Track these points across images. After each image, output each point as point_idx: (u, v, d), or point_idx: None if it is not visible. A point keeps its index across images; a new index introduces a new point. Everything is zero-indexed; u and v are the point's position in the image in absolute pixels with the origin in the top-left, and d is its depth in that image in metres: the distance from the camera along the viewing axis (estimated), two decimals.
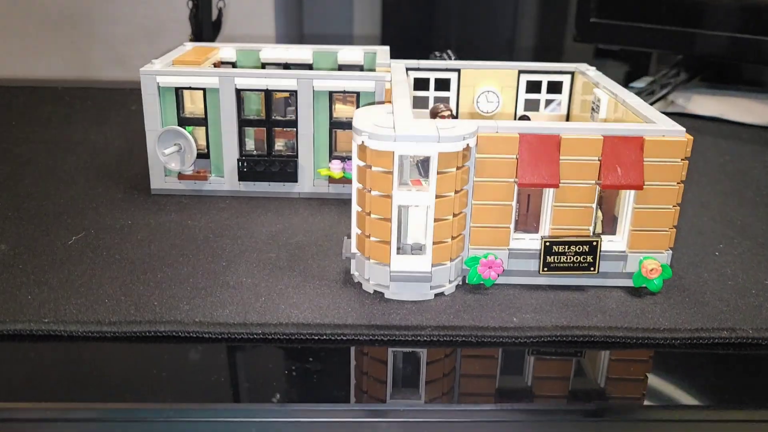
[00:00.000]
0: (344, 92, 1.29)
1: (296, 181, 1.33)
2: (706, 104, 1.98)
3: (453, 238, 0.98)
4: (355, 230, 1.01)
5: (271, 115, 1.31)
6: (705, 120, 1.98)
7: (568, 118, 1.43)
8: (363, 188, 0.97)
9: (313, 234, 1.20)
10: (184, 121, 1.31)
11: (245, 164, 1.32)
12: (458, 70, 1.40)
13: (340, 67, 1.54)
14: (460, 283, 1.03)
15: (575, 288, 1.03)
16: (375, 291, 1.00)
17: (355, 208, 1.00)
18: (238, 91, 1.29)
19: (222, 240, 1.16)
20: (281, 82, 1.28)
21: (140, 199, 1.32)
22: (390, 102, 1.18)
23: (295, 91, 1.28)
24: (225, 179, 1.34)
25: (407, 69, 1.39)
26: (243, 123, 1.32)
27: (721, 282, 1.06)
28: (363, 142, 0.94)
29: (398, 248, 0.99)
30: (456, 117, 1.42)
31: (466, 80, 1.41)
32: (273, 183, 1.33)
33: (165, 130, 1.28)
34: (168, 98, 1.30)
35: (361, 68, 1.54)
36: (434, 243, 0.97)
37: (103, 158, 1.55)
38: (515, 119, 1.43)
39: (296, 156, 1.32)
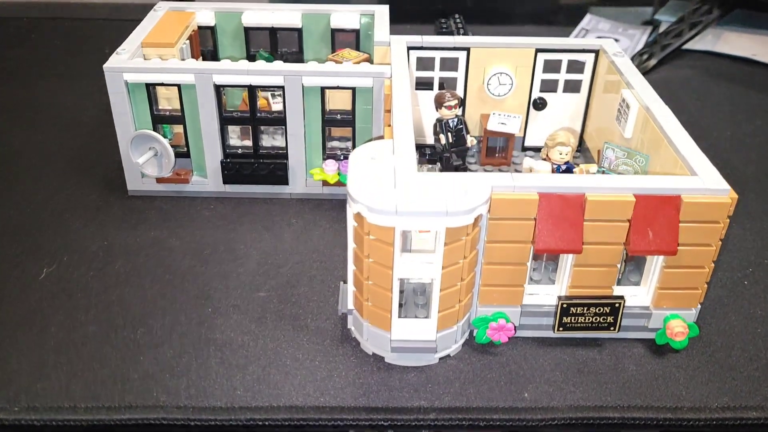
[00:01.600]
0: (338, 88, 1.14)
1: (287, 183, 1.21)
2: (738, 43, 1.80)
3: (460, 302, 0.88)
4: (351, 287, 0.92)
5: (257, 113, 1.16)
6: (734, 61, 1.80)
7: (588, 102, 1.28)
8: (359, 252, 0.86)
9: (307, 256, 1.09)
10: (159, 119, 1.17)
11: (230, 167, 1.19)
12: (467, 49, 1.23)
13: (333, 33, 1.37)
14: (468, 336, 0.95)
15: (592, 343, 0.95)
16: (374, 353, 0.92)
17: (350, 266, 0.90)
18: (218, 87, 1.14)
19: (207, 270, 1.06)
20: (266, 78, 1.12)
21: (116, 204, 1.20)
22: (389, 125, 1.04)
23: (282, 87, 1.13)
24: (208, 180, 1.21)
25: (409, 48, 1.23)
26: (225, 120, 1.17)
27: (750, 329, 0.98)
28: (359, 212, 0.82)
29: (400, 306, 0.90)
30: (463, 104, 1.27)
31: (475, 59, 1.24)
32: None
33: (136, 134, 1.14)
34: (138, 95, 1.14)
35: (356, 34, 1.36)
36: (440, 311, 0.88)
37: (74, 135, 1.41)
38: (530, 102, 1.28)
39: (286, 156, 1.19)
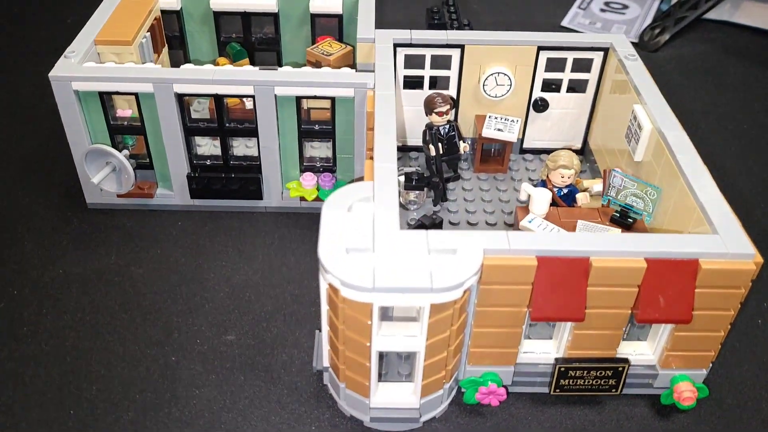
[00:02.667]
0: (315, 98, 1.02)
1: (261, 198, 1.10)
2: (759, 13, 1.65)
3: (447, 367, 0.80)
4: (325, 346, 0.82)
5: (225, 123, 1.04)
6: (754, 33, 1.66)
7: (594, 103, 1.16)
8: (334, 318, 0.76)
9: (281, 287, 1.00)
10: (116, 129, 1.05)
11: (197, 181, 1.08)
12: (461, 46, 1.10)
13: (313, 18, 1.23)
14: (456, 392, 0.86)
15: (591, 402, 0.87)
16: (352, 416, 0.84)
17: (325, 326, 0.80)
18: (180, 96, 1.01)
19: (173, 306, 0.96)
20: (234, 88, 1.00)
21: (75, 219, 1.09)
22: (371, 129, 0.92)
23: (253, 97, 1.01)
24: (174, 193, 1.10)
25: (396, 45, 1.09)
26: (190, 131, 1.05)
27: (763, 381, 0.89)
28: (332, 284, 0.72)
29: (380, 375, 0.81)
30: (456, 105, 1.15)
31: (471, 57, 1.11)
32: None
33: (89, 150, 1.03)
34: (91, 104, 1.02)
35: (339, 20, 1.22)
36: (425, 378, 0.79)
37: (28, 135, 1.28)
38: (529, 103, 1.16)
39: (260, 169, 1.08)
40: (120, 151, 1.05)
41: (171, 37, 1.25)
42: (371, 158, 0.86)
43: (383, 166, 0.83)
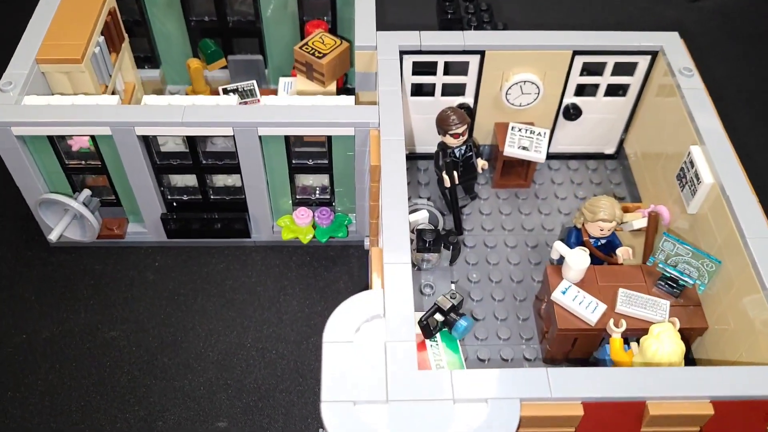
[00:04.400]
0: (307, 139, 0.85)
1: (249, 236, 0.95)
2: None
3: None
4: None
5: (200, 161, 0.88)
6: None
7: (635, 107, 0.98)
8: None
9: (277, 352, 0.87)
10: (73, 170, 0.89)
11: (174, 223, 0.93)
12: (481, 53, 0.91)
13: (301, 3, 1.02)
14: None
15: None
16: None
17: None
18: (145, 137, 0.84)
19: (153, 385, 0.84)
20: (209, 130, 0.82)
21: (35, 263, 0.95)
22: (377, 184, 0.77)
23: (232, 137, 0.84)
24: (148, 230, 0.95)
25: (402, 52, 0.90)
26: (160, 170, 0.89)
27: None
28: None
29: None
30: (471, 123, 0.97)
31: (492, 64, 0.93)
32: None
33: (41, 200, 0.87)
34: (40, 146, 0.85)
35: (332, 13, 1.02)
36: None
37: None
38: (559, 110, 0.99)
39: (245, 206, 0.92)
40: (80, 190, 0.90)
41: (132, 22, 1.04)
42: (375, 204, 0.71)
43: (395, 264, 0.68)
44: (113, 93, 0.97)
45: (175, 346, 0.88)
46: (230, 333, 0.90)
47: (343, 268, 0.96)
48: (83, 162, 0.88)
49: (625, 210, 0.94)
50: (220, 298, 0.93)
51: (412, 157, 1.05)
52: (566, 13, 1.34)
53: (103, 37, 0.94)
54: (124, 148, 0.83)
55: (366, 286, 0.93)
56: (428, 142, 1.02)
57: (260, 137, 0.83)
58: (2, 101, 0.82)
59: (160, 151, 0.88)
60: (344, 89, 0.98)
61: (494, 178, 1.01)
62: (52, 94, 0.89)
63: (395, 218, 0.72)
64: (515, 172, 1.02)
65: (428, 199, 0.98)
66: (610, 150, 1.05)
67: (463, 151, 0.94)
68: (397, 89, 0.85)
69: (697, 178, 0.80)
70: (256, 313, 0.92)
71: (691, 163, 0.81)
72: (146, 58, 1.09)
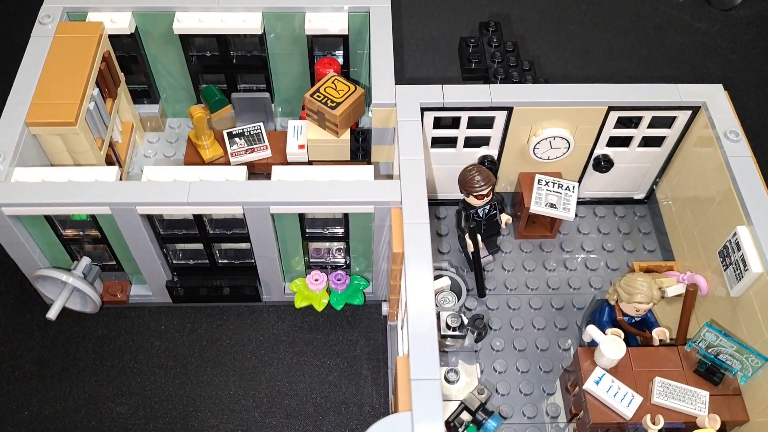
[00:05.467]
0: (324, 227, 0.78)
1: (259, 301, 0.90)
2: None
3: None
4: None
5: (207, 230, 0.82)
6: None
7: (670, 157, 0.92)
8: None
9: None
10: (71, 240, 0.82)
11: (179, 291, 0.87)
12: (509, 109, 0.84)
13: (311, 42, 0.94)
14: None
15: None
16: None
17: None
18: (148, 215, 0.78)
19: None
20: (216, 209, 0.76)
21: (34, 326, 0.90)
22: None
23: (243, 216, 0.77)
24: (153, 294, 0.90)
25: (423, 109, 0.83)
26: (165, 239, 0.83)
27: None
28: None
29: None
30: (495, 182, 0.90)
31: (520, 119, 0.86)
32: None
33: (37, 276, 0.81)
34: (34, 221, 0.79)
35: (344, 42, 0.94)
36: None
37: None
38: (589, 160, 0.92)
39: (255, 271, 0.87)
40: (79, 258, 0.84)
41: (127, 58, 0.96)
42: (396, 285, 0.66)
43: (424, 381, 0.64)
44: (110, 146, 0.91)
45: (184, 422, 0.84)
46: (242, 407, 0.85)
47: (360, 329, 0.92)
48: (81, 232, 0.82)
49: (658, 270, 0.89)
50: (230, 367, 0.88)
51: (432, 203, 0.99)
52: (593, 40, 1.25)
53: (97, 90, 0.86)
54: (126, 225, 0.77)
55: (381, 347, 0.89)
56: (449, 189, 0.96)
57: (272, 215, 0.77)
58: None
59: (164, 219, 0.82)
60: (357, 132, 0.91)
61: (518, 228, 0.96)
62: (45, 159, 0.83)
63: (423, 323, 0.67)
64: (540, 223, 0.96)
65: (450, 263, 0.93)
66: (640, 195, 0.99)
67: (487, 210, 0.88)
68: (420, 159, 0.78)
69: (744, 264, 0.74)
70: (270, 383, 0.87)
71: (737, 245, 0.75)
72: (143, 92, 1.02)
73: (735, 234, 0.76)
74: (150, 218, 0.79)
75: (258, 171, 0.96)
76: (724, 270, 0.78)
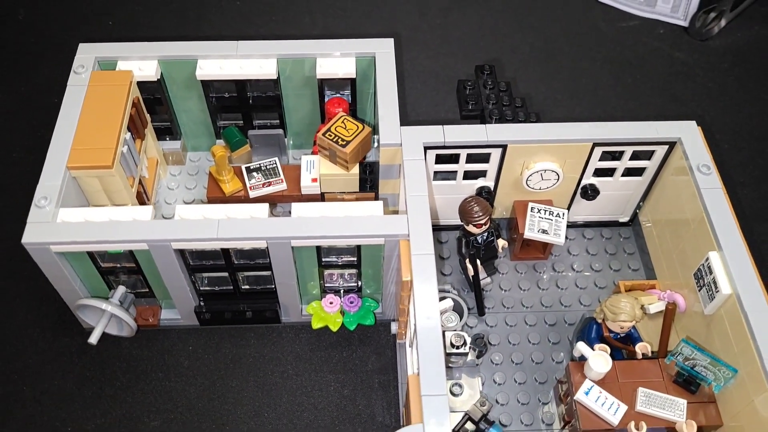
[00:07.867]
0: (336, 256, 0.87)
1: (279, 322, 0.99)
2: None
3: None
4: None
5: (233, 261, 0.90)
6: None
7: (651, 184, 1.00)
8: None
9: None
10: (108, 271, 0.91)
11: (206, 315, 0.96)
12: (504, 146, 0.93)
13: (321, 83, 1.03)
14: None
15: None
16: None
17: None
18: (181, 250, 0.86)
19: None
20: (242, 243, 0.85)
21: (72, 350, 0.98)
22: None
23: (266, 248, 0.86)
24: (182, 317, 0.99)
25: (426, 148, 0.92)
26: (194, 269, 0.91)
27: None
28: None
29: None
30: (491, 211, 0.99)
31: (514, 155, 0.95)
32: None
33: (79, 305, 0.89)
34: (77, 256, 0.87)
35: (352, 84, 1.03)
36: None
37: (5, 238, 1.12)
38: (577, 189, 1.01)
39: (275, 296, 0.95)
40: (116, 287, 0.93)
41: (152, 100, 1.05)
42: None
43: (433, 396, 0.72)
44: (140, 183, 0.99)
45: None
46: (265, 420, 0.94)
47: (371, 347, 1.00)
48: (118, 264, 0.90)
49: (641, 288, 0.98)
50: (253, 382, 0.96)
51: (435, 229, 1.07)
52: (580, 70, 1.34)
53: (129, 134, 0.95)
54: (160, 258, 0.86)
55: (391, 363, 0.98)
56: (449, 216, 1.05)
57: (293, 247, 0.86)
58: (39, 218, 0.84)
59: (194, 252, 0.90)
60: (365, 165, 1.00)
61: (513, 251, 1.05)
62: (84, 199, 0.91)
63: (431, 345, 0.76)
64: (534, 246, 1.05)
65: (452, 286, 1.02)
66: (625, 218, 1.08)
67: (485, 237, 0.97)
68: (425, 195, 0.87)
69: (716, 286, 0.83)
70: (289, 397, 0.96)
71: (710, 268, 0.84)
72: (166, 129, 1.10)
73: (707, 259, 0.85)
74: (182, 252, 0.87)
75: (274, 201, 1.05)
76: (699, 290, 0.87)
